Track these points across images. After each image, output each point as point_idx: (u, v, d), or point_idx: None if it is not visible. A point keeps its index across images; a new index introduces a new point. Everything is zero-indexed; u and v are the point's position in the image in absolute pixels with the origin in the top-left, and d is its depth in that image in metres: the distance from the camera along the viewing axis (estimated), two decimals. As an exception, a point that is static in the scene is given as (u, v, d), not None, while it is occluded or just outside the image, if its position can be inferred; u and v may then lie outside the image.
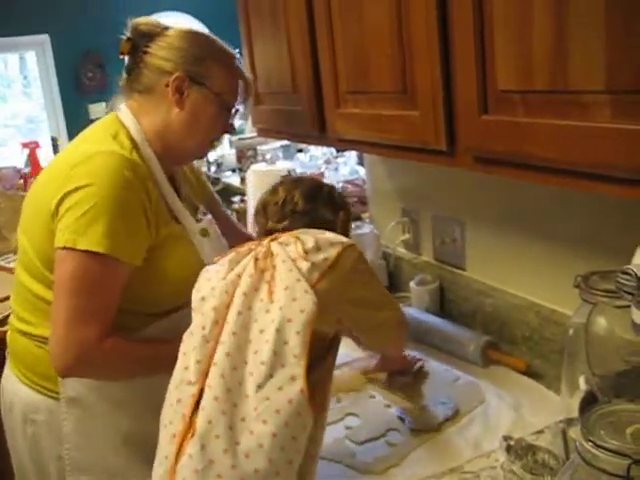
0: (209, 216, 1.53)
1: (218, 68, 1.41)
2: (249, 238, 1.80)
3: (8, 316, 2.12)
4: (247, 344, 1.05)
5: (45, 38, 6.57)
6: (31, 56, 6.93)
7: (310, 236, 1.14)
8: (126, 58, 1.43)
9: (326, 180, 2.55)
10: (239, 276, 1.11)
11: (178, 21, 5.98)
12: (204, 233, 1.46)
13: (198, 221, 1.47)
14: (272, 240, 1.16)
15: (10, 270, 2.53)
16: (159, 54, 1.39)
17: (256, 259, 1.12)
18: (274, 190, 1.31)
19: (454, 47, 1.09)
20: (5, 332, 1.50)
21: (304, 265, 1.08)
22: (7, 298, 2.23)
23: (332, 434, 1.31)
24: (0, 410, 1.48)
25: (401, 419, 1.36)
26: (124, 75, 1.44)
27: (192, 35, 1.43)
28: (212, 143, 1.50)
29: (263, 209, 1.30)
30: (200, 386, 1.03)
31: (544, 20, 0.89)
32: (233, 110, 1.46)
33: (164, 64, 1.38)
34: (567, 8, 0.85)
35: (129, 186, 1.26)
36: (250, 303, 1.08)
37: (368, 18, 1.30)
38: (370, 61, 1.33)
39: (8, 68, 7.57)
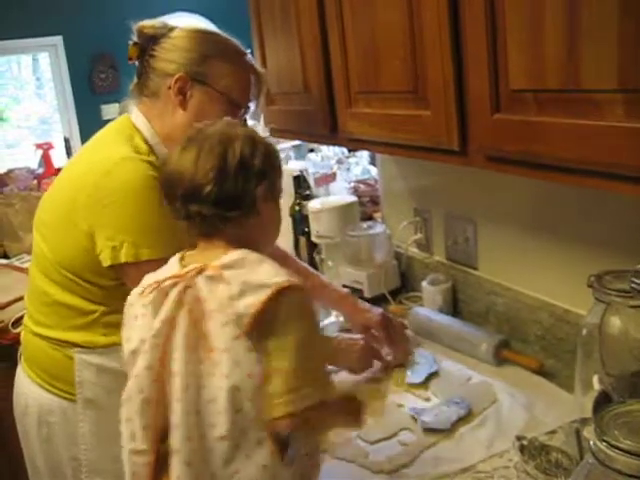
0: None
1: (223, 66, 1.39)
2: None
3: (22, 317, 2.15)
4: (201, 417, 0.96)
5: (58, 39, 6.61)
6: (44, 57, 6.97)
7: (239, 272, 0.98)
8: (136, 63, 1.43)
9: (338, 181, 2.54)
10: (164, 323, 0.99)
11: (188, 21, 5.97)
12: None
13: None
14: (199, 272, 0.99)
15: (25, 270, 2.55)
16: (163, 57, 1.39)
17: (190, 310, 0.98)
18: (181, 162, 1.04)
19: (466, 46, 1.08)
20: (19, 333, 1.51)
21: (232, 313, 0.95)
22: (22, 298, 2.25)
23: (345, 433, 1.31)
24: (14, 412, 1.48)
25: (414, 418, 1.35)
26: (135, 79, 1.44)
27: (196, 34, 1.41)
28: None
29: (173, 181, 1.06)
30: (155, 454, 0.99)
31: (556, 19, 0.89)
32: (243, 107, 1.44)
33: (167, 66, 1.38)
34: (579, 7, 0.85)
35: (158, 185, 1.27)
36: (194, 369, 0.97)
37: (380, 17, 1.30)
38: (382, 60, 1.33)
39: (21, 70, 7.63)
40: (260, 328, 0.95)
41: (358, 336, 1.59)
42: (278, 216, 1.15)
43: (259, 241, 1.10)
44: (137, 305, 1.05)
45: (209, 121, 1.12)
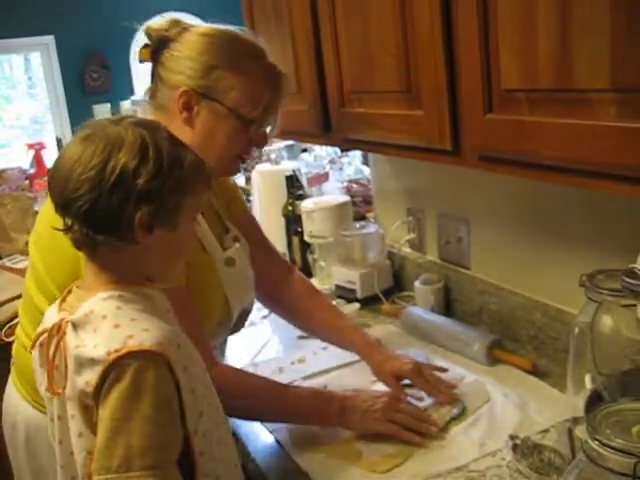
0: (237, 244, 1.40)
1: (234, 78, 1.24)
2: (285, 264, 1.66)
3: (13, 319, 2.12)
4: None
5: (50, 39, 6.60)
6: (36, 57, 6.95)
7: (78, 338, 0.91)
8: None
9: (331, 181, 2.54)
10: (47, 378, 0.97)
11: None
12: (230, 263, 1.34)
13: (225, 249, 1.36)
14: (59, 329, 0.94)
15: (17, 271, 2.54)
16: (169, 65, 1.26)
17: (57, 366, 0.94)
18: (63, 160, 0.92)
19: (458, 45, 1.09)
20: (12, 342, 1.44)
21: (76, 388, 0.91)
22: (13, 299, 2.24)
23: (339, 433, 1.31)
24: (2, 425, 1.40)
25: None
26: (149, 84, 1.32)
27: (205, 40, 1.26)
28: (238, 159, 1.32)
29: (50, 182, 0.95)
30: None
31: (548, 18, 0.89)
32: (257, 122, 1.28)
33: (172, 77, 1.25)
34: (571, 6, 0.85)
35: None
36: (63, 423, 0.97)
37: (372, 17, 1.30)
38: (374, 60, 1.33)
39: (13, 69, 7.60)
40: (97, 397, 0.89)
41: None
42: (176, 245, 0.99)
43: (145, 271, 0.99)
44: (35, 358, 1.02)
45: (128, 115, 1.01)
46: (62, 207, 0.93)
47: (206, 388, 0.99)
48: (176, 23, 1.29)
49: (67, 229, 0.93)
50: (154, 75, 1.30)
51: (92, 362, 0.88)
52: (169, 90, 1.26)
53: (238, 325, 1.45)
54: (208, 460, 0.96)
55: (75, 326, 0.92)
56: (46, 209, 1.32)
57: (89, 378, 0.88)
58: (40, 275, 1.27)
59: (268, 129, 1.34)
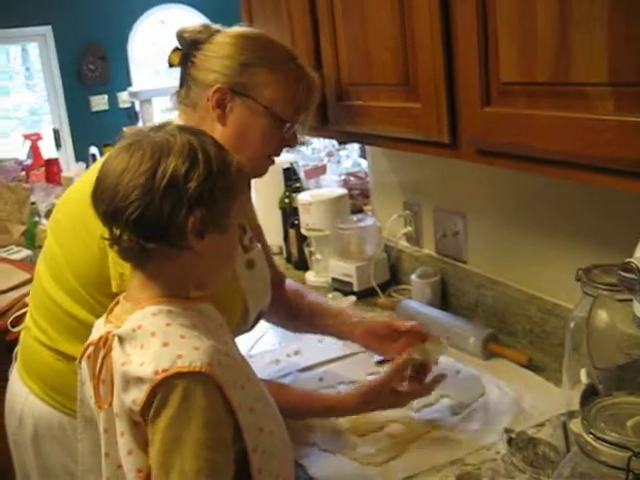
0: (259, 246, 1.38)
1: (269, 76, 1.25)
2: (281, 275, 1.60)
3: (9, 309, 2.12)
4: None
5: (47, 30, 6.56)
6: (33, 48, 6.92)
7: (124, 355, 0.89)
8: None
9: (328, 174, 2.53)
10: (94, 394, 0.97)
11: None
12: (250, 265, 1.33)
13: (245, 250, 1.33)
14: (105, 341, 0.93)
15: (12, 262, 2.53)
16: (202, 65, 1.26)
17: (103, 380, 0.94)
18: (109, 171, 0.91)
19: (457, 38, 1.08)
20: (18, 332, 1.40)
21: (123, 405, 0.89)
22: (9, 290, 2.24)
23: (334, 425, 1.31)
24: (5, 418, 1.35)
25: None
26: (177, 87, 1.32)
27: (239, 40, 1.27)
28: (269, 159, 1.34)
29: (97, 192, 0.93)
30: None
31: (547, 11, 0.89)
32: (290, 122, 1.28)
33: (207, 76, 1.25)
34: (570, 0, 0.85)
35: None
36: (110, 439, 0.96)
37: (370, 11, 1.30)
38: (372, 53, 1.32)
39: (10, 60, 7.57)
40: (145, 416, 0.88)
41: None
42: (226, 249, 1.00)
43: (196, 278, 0.98)
44: (84, 370, 1.01)
45: (168, 122, 1.01)
46: (110, 216, 0.91)
47: (265, 405, 0.98)
48: (207, 27, 1.30)
49: (115, 240, 0.91)
50: (184, 78, 1.30)
51: (139, 380, 0.86)
52: (202, 89, 1.25)
53: (251, 327, 1.42)
54: (266, 476, 0.95)
55: (121, 340, 0.90)
56: (65, 199, 1.31)
57: (136, 397, 0.86)
58: (59, 265, 1.24)
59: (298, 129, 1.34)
